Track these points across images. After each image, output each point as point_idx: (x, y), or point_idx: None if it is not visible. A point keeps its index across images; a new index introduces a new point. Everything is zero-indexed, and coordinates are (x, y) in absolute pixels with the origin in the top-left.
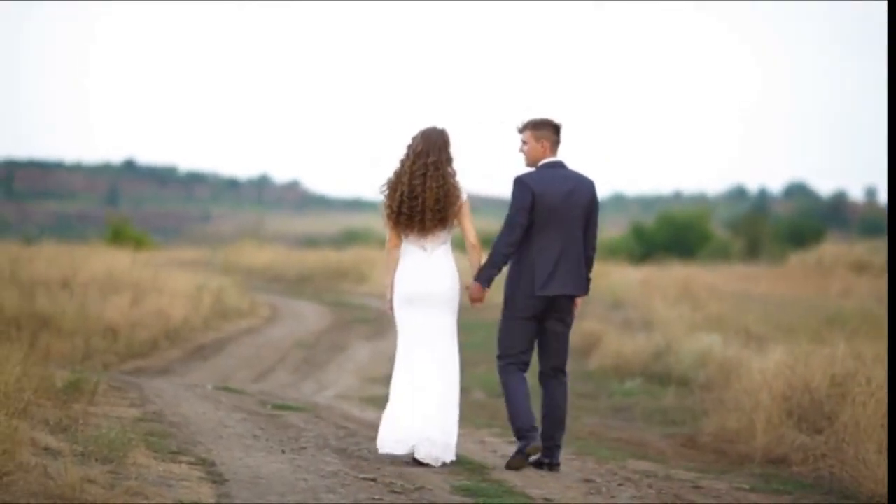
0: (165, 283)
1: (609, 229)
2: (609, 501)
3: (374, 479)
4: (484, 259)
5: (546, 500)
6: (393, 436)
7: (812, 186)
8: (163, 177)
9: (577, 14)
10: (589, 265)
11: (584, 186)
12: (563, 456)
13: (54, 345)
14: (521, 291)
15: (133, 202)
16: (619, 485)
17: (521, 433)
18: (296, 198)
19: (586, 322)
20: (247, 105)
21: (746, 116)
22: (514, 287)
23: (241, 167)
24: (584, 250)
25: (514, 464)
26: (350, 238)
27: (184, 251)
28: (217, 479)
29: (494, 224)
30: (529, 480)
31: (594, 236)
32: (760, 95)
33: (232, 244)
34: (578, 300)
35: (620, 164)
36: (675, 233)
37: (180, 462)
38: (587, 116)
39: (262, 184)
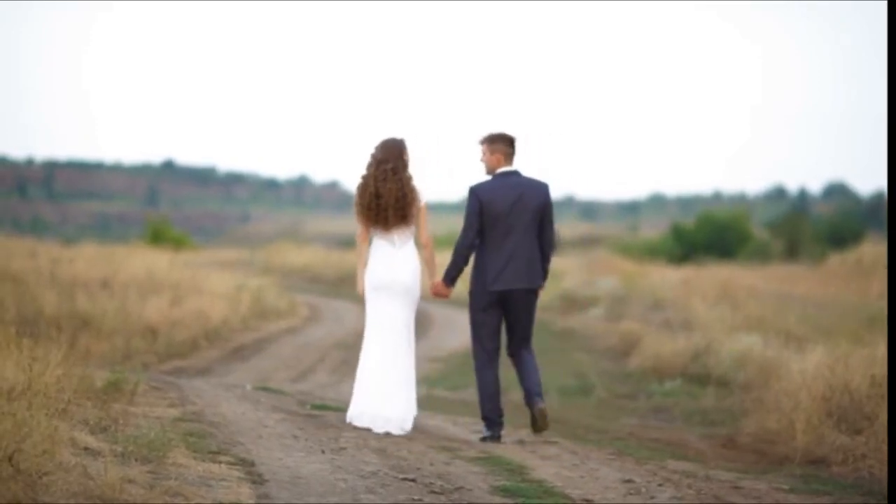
0: (205, 283)
1: (648, 230)
2: (649, 502)
3: (413, 480)
4: (436, 257)
5: (585, 500)
6: (358, 409)
7: (852, 187)
8: (202, 177)
9: (622, 13)
10: (546, 260)
11: (533, 192)
12: (603, 455)
13: (94, 345)
14: (478, 286)
15: (172, 203)
16: (659, 485)
17: (488, 422)
18: (335, 198)
19: (625, 322)
20: (286, 106)
21: (786, 117)
22: (473, 283)
23: (280, 167)
24: (541, 247)
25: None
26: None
27: (223, 251)
28: (256, 479)
29: None
30: (569, 481)
31: (551, 234)
32: (801, 95)
33: (271, 244)
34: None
35: (660, 165)
36: (714, 233)
37: (220, 462)
38: (627, 117)
39: (301, 184)
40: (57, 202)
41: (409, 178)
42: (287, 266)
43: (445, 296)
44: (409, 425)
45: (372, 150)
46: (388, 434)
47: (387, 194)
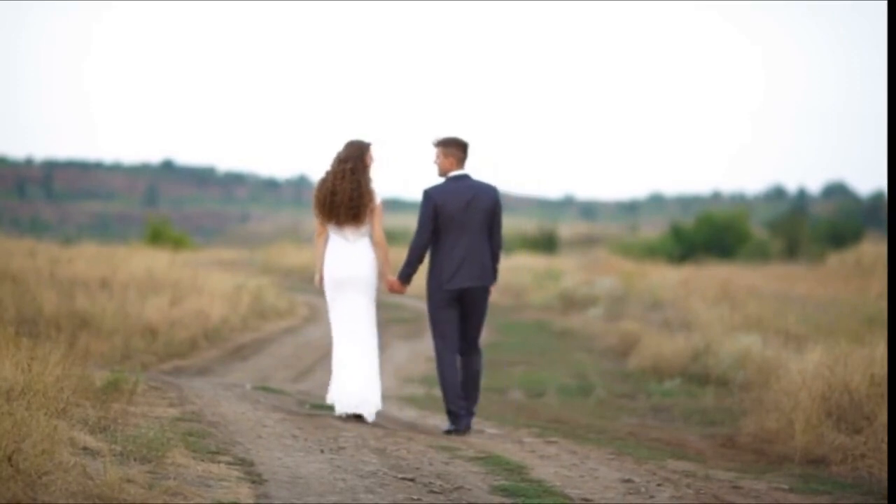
0: (204, 283)
1: (648, 230)
2: (648, 501)
3: (412, 479)
4: (389, 255)
5: (585, 500)
6: (344, 398)
7: (851, 186)
8: (202, 177)
9: (622, 13)
10: (495, 259)
11: (484, 194)
12: (602, 455)
13: (93, 345)
14: (434, 285)
15: (172, 202)
16: (658, 485)
17: (452, 416)
18: None
19: (625, 322)
20: (285, 106)
21: (786, 117)
22: (429, 281)
23: (279, 167)
24: (490, 247)
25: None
26: (387, 238)
27: (223, 251)
28: (256, 478)
29: (527, 223)
30: (568, 480)
31: (499, 235)
32: (801, 95)
33: (270, 244)
34: (491, 288)
35: (659, 165)
36: (713, 233)
37: (219, 462)
38: (627, 117)
39: (300, 184)
40: (56, 202)
41: (368, 181)
42: (287, 266)
43: (401, 292)
44: (370, 407)
45: (339, 149)
46: (355, 415)
47: (341, 193)
